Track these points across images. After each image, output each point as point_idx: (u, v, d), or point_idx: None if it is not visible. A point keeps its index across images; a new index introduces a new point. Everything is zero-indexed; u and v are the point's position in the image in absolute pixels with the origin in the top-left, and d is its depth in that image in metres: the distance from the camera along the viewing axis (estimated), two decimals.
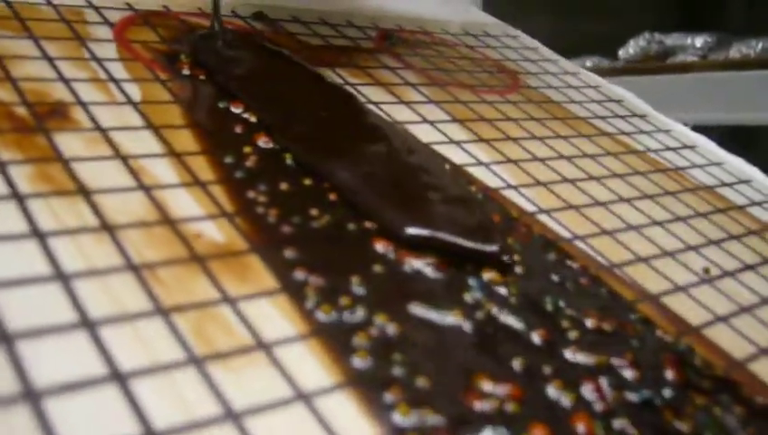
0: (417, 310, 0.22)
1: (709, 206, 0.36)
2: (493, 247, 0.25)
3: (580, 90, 0.45)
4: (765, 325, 0.28)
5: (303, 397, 0.18)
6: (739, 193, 0.38)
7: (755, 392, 0.23)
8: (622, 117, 0.43)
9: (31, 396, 0.15)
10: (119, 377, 0.17)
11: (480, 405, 0.19)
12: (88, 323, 0.18)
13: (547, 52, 0.49)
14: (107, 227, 0.21)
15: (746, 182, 0.40)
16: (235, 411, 0.17)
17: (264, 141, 0.27)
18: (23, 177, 0.22)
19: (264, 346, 0.19)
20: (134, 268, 0.20)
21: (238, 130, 0.28)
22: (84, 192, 0.22)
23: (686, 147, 0.42)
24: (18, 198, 0.21)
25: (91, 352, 0.17)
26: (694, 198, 0.36)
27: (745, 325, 0.27)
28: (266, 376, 0.18)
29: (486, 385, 0.20)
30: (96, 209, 0.22)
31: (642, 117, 0.44)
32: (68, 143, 0.24)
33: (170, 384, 0.17)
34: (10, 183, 0.21)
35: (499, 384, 0.20)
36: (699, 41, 1.44)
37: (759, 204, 0.38)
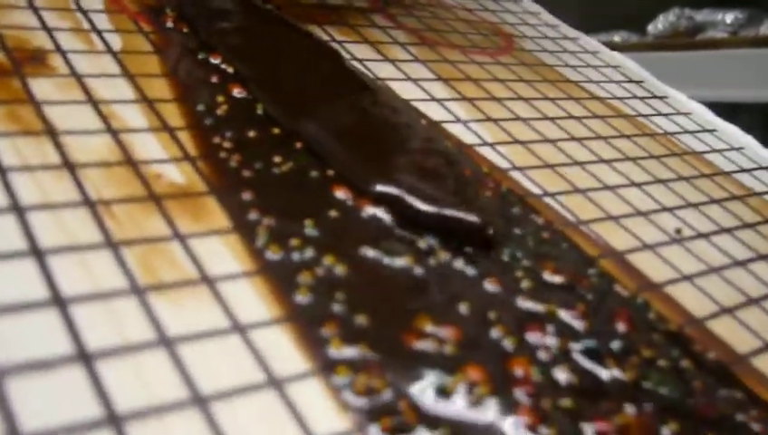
0: (368, 253, 0.22)
1: (694, 170, 0.36)
2: (472, 218, 0.24)
3: (576, 54, 0.45)
4: (732, 286, 0.28)
5: (240, 329, 0.18)
6: (729, 160, 0.38)
7: (708, 348, 0.24)
8: (617, 82, 0.43)
9: None
10: (59, 301, 0.17)
11: (418, 345, 0.19)
12: (37, 252, 0.18)
13: (549, 17, 0.49)
14: (68, 166, 0.22)
15: (738, 149, 0.40)
16: (169, 338, 0.17)
17: (238, 91, 0.28)
18: None
19: (208, 280, 0.19)
20: (90, 204, 0.21)
21: (214, 80, 0.28)
22: (51, 133, 0.23)
23: (680, 113, 0.42)
24: None
25: (35, 278, 0.18)
26: (679, 162, 0.36)
27: (711, 285, 0.27)
28: (206, 308, 0.19)
29: (428, 326, 0.20)
30: (60, 149, 0.22)
31: (639, 83, 0.44)
32: (42, 87, 0.25)
33: (109, 310, 0.18)
34: None
35: (441, 326, 0.20)
36: (730, 17, 1.41)
37: (748, 171, 0.38)
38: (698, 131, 0.40)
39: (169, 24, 0.31)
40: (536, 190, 0.29)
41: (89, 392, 0.15)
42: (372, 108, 0.29)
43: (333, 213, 0.23)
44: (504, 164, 0.30)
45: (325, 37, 0.35)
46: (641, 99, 0.42)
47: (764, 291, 0.28)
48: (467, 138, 0.31)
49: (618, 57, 0.46)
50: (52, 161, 0.22)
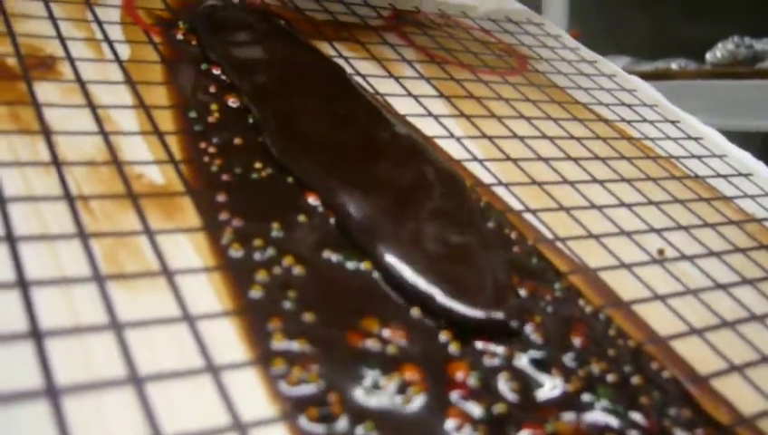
0: (330, 256, 0.23)
1: (692, 194, 0.36)
2: (498, 315, 0.23)
3: (591, 77, 0.45)
4: (707, 307, 0.28)
5: (189, 319, 0.20)
6: (733, 185, 0.38)
7: (665, 367, 0.24)
8: (629, 105, 0.43)
9: None
10: (23, 283, 0.19)
11: (360, 343, 0.20)
12: (10, 238, 0.20)
13: (569, 40, 0.50)
14: (56, 163, 0.23)
15: (746, 175, 0.40)
16: (119, 322, 0.19)
17: (232, 101, 0.29)
18: None
19: (167, 273, 0.21)
20: (69, 198, 0.22)
21: (212, 89, 0.30)
22: (46, 133, 0.25)
23: (690, 138, 0.42)
24: None
25: (4, 261, 0.19)
26: (677, 185, 0.36)
27: (684, 305, 0.28)
28: (161, 298, 0.20)
29: (374, 327, 0.21)
30: (52, 148, 0.24)
31: (652, 106, 0.44)
32: (45, 91, 0.27)
33: (67, 294, 0.19)
34: None
35: (387, 328, 0.21)
36: None
37: (751, 196, 0.38)
38: (705, 156, 0.40)
39: (179, 36, 0.33)
40: (518, 206, 0.30)
41: (34, 366, 0.17)
42: (387, 150, 0.29)
43: (302, 218, 0.24)
44: (489, 180, 0.31)
45: (332, 52, 0.36)
46: (651, 122, 0.42)
47: (742, 314, 0.28)
48: (457, 153, 0.32)
49: (634, 81, 0.46)
50: (41, 159, 0.23)
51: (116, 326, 0.19)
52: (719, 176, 0.39)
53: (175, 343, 0.19)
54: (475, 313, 0.22)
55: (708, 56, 1.48)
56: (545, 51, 0.47)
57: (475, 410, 0.20)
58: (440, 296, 0.22)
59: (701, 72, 1.46)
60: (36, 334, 0.18)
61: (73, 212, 0.22)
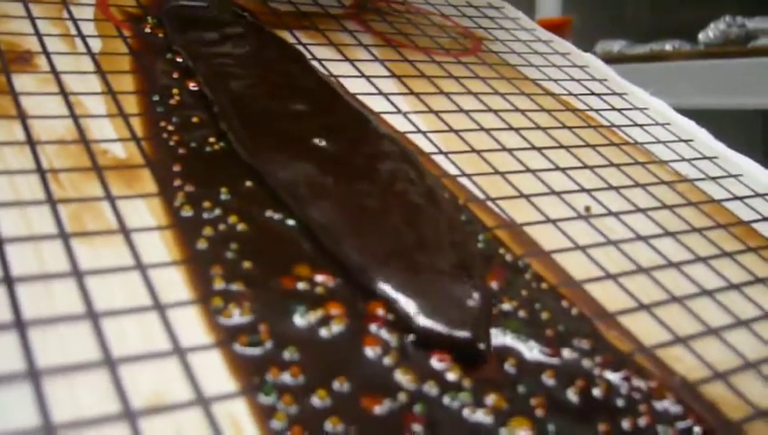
0: (273, 215, 0.26)
1: (628, 158, 0.39)
2: (464, 333, 0.23)
3: (544, 55, 0.48)
4: (625, 256, 0.31)
5: (141, 267, 0.23)
6: (670, 150, 0.41)
7: (575, 304, 0.27)
8: (578, 80, 0.46)
9: None
10: None
11: (291, 285, 0.24)
12: None
13: (527, 22, 0.52)
14: (31, 143, 0.27)
15: (686, 141, 0.43)
16: (80, 271, 0.22)
17: (192, 85, 0.32)
18: None
19: (125, 231, 0.24)
20: (41, 171, 0.26)
21: (175, 75, 0.33)
22: (22, 117, 0.28)
23: (635, 108, 0.45)
24: None
25: None
26: (615, 150, 0.39)
27: (603, 255, 0.30)
28: (118, 252, 0.23)
29: (305, 273, 0.24)
30: (27, 130, 0.27)
31: (601, 81, 0.47)
32: (23, 82, 0.30)
33: (36, 248, 0.22)
34: None
35: (317, 273, 0.24)
36: None
37: (688, 160, 0.41)
38: (648, 124, 0.43)
39: (148, 30, 0.36)
40: (454, 171, 0.33)
41: (6, 305, 0.20)
42: (359, 147, 0.32)
43: (249, 183, 0.27)
44: (430, 149, 0.34)
45: (291, 40, 0.39)
46: (598, 95, 0.45)
47: (659, 262, 0.31)
48: (402, 126, 0.35)
49: (588, 58, 0.49)
50: (17, 139, 0.27)
51: (77, 274, 0.22)
52: (659, 142, 0.42)
53: (127, 287, 0.22)
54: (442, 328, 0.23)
55: (701, 36, 1.49)
56: (501, 32, 0.50)
57: (391, 339, 0.23)
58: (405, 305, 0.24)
59: (694, 52, 1.48)
60: (8, 280, 0.21)
61: (44, 183, 0.25)
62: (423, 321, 0.23)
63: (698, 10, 1.56)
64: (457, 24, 0.49)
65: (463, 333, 0.23)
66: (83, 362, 0.19)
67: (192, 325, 0.21)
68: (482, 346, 0.23)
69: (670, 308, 0.29)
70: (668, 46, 1.52)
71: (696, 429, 0.23)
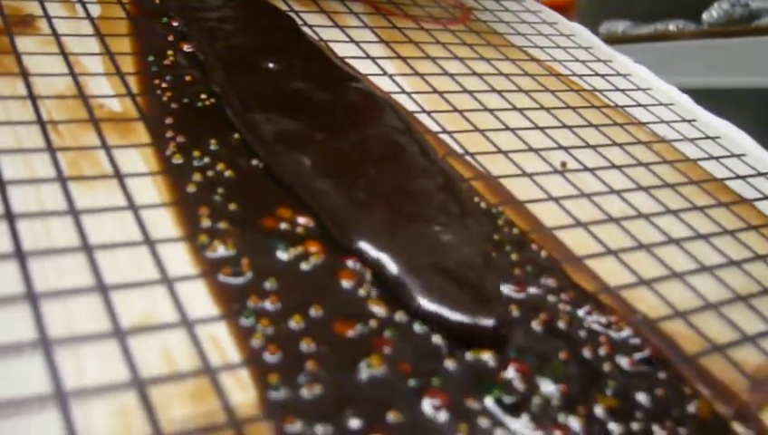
0: (259, 164, 0.28)
1: (607, 119, 0.40)
2: (488, 321, 0.23)
3: (532, 24, 0.49)
4: (597, 207, 0.32)
5: (134, 208, 0.25)
6: (650, 113, 0.42)
7: (544, 248, 0.29)
8: (563, 48, 0.47)
9: None
10: (1, 183, 0.24)
11: (273, 225, 0.25)
12: None
13: None
14: (32, 97, 0.29)
15: (666, 105, 0.44)
16: (76, 210, 0.24)
17: (186, 47, 0.34)
18: None
19: (119, 176, 0.26)
20: (41, 123, 0.27)
21: (170, 38, 0.35)
22: (24, 74, 0.30)
23: (618, 74, 0.46)
24: None
25: None
26: (595, 112, 0.40)
27: (575, 206, 0.32)
28: (112, 194, 0.25)
29: (287, 215, 0.26)
30: (29, 86, 0.29)
31: (587, 48, 0.48)
32: (25, 43, 0.32)
33: (36, 189, 0.24)
34: None
35: (298, 216, 0.26)
36: None
37: (667, 122, 0.42)
38: (629, 89, 0.44)
39: None
40: (436, 128, 0.34)
41: (8, 238, 0.22)
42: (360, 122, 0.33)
43: (236, 135, 0.29)
44: (413, 108, 0.35)
45: (284, 7, 0.41)
46: (582, 61, 0.46)
47: (629, 213, 0.33)
48: (388, 86, 0.36)
49: (574, 27, 0.51)
50: (19, 94, 0.29)
51: (73, 212, 0.24)
52: (639, 105, 0.43)
53: (121, 224, 0.24)
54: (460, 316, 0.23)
55: (705, 16, 1.50)
56: (491, 3, 0.51)
57: (366, 273, 0.24)
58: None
59: (698, 32, 1.48)
60: (10, 217, 0.23)
61: (44, 133, 0.27)
62: (428, 305, 0.23)
63: None
64: None
65: (487, 321, 0.23)
66: (78, 286, 0.21)
67: (179, 258, 0.23)
68: (504, 332, 0.23)
69: (637, 254, 0.30)
70: (672, 26, 1.53)
71: (651, 358, 0.25)
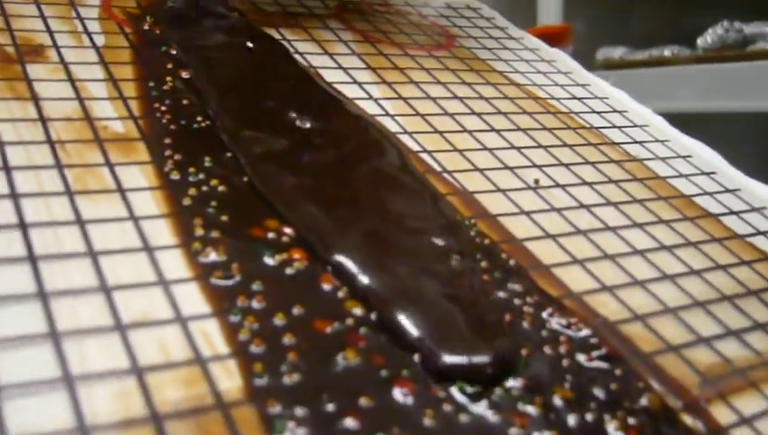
0: (250, 181, 0.30)
1: (582, 140, 0.43)
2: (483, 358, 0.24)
3: (514, 51, 0.52)
4: (566, 220, 0.35)
5: (135, 218, 0.27)
6: (624, 134, 0.45)
7: (513, 257, 0.31)
8: (544, 73, 0.50)
9: None
10: (14, 196, 0.26)
11: (261, 234, 0.28)
12: (6, 168, 0.28)
13: (502, 21, 0.57)
14: (42, 119, 0.31)
15: (641, 126, 0.46)
16: (83, 220, 0.26)
17: (184, 74, 0.37)
18: None
19: (121, 191, 0.28)
20: (50, 143, 0.30)
21: (169, 65, 0.38)
22: (35, 99, 0.32)
23: (595, 97, 0.49)
24: None
25: (3, 183, 0.27)
26: (570, 133, 0.43)
27: (545, 219, 0.34)
28: (115, 206, 0.27)
29: (274, 226, 0.28)
30: (39, 109, 0.32)
31: (566, 73, 0.51)
32: (36, 70, 0.35)
33: (46, 202, 0.27)
34: None
35: (285, 227, 0.28)
36: None
37: (640, 142, 0.45)
38: (605, 111, 0.47)
39: (146, 27, 0.41)
40: (416, 148, 0.37)
41: (21, 244, 0.24)
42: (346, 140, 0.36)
43: (229, 155, 0.32)
44: (396, 129, 0.38)
45: (276, 36, 0.44)
46: (561, 86, 0.49)
47: (597, 226, 0.35)
48: (372, 109, 0.39)
49: (555, 53, 0.53)
50: (31, 116, 0.31)
51: (80, 222, 0.26)
52: (614, 127, 0.46)
53: (122, 233, 0.26)
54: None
55: (700, 42, 1.53)
56: (475, 30, 0.54)
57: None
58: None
59: (693, 57, 1.52)
60: (23, 226, 0.25)
61: (53, 151, 0.29)
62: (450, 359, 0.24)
63: (697, 16, 1.60)
64: (434, 22, 0.53)
65: (481, 359, 0.24)
66: (83, 287, 0.23)
67: (175, 263, 0.25)
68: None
69: (602, 263, 0.33)
70: (668, 52, 1.56)
71: (607, 356, 0.27)
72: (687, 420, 0.25)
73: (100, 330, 0.22)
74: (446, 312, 0.26)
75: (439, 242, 0.29)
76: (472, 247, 0.30)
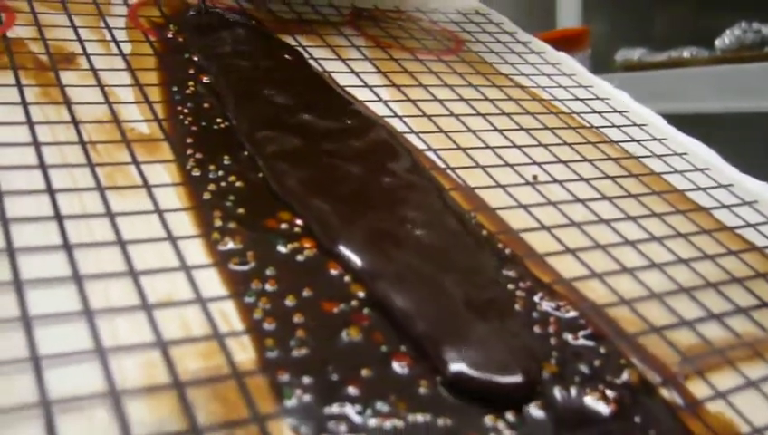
0: (265, 177, 0.33)
1: (581, 138, 0.45)
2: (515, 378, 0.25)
3: (521, 54, 0.54)
4: (561, 213, 0.37)
5: (159, 211, 0.30)
6: (623, 132, 0.47)
7: (509, 246, 0.33)
8: (548, 75, 0.52)
9: None
10: (50, 192, 0.29)
11: (274, 225, 0.30)
12: (42, 166, 0.31)
13: (510, 26, 0.59)
14: (74, 122, 0.34)
15: (640, 126, 0.49)
16: (112, 212, 0.29)
17: (205, 79, 0.40)
18: (32, 93, 0.35)
19: (147, 186, 0.31)
20: (83, 143, 0.33)
21: (191, 71, 0.40)
22: (68, 103, 0.35)
23: (597, 98, 0.51)
24: (25, 104, 0.34)
25: (40, 179, 0.30)
26: (571, 132, 0.45)
27: (542, 212, 0.37)
28: (141, 201, 0.30)
29: (287, 217, 0.31)
30: (72, 113, 0.35)
31: (570, 75, 0.53)
32: (68, 77, 0.37)
33: (79, 197, 0.29)
34: (23, 96, 0.35)
35: (296, 219, 0.31)
36: None
37: (638, 141, 0.47)
38: (606, 111, 0.49)
39: (170, 35, 0.43)
40: (422, 146, 0.39)
41: (57, 233, 0.27)
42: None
43: (246, 153, 0.34)
44: (403, 129, 0.40)
45: (292, 42, 0.46)
46: (565, 87, 0.51)
47: (591, 218, 0.37)
48: (381, 111, 0.41)
49: (562, 56, 0.55)
50: (64, 119, 0.34)
51: (110, 214, 0.29)
52: (613, 126, 0.48)
53: (148, 224, 0.29)
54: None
55: (718, 43, 1.54)
56: (484, 35, 0.56)
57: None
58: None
59: (711, 58, 1.53)
60: (59, 217, 0.28)
61: (85, 151, 0.32)
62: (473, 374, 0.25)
63: (715, 17, 1.61)
64: (444, 28, 0.56)
65: (512, 379, 0.25)
66: (114, 271, 0.26)
67: (196, 251, 0.28)
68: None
69: (594, 253, 0.35)
70: (686, 53, 1.57)
71: (593, 335, 0.29)
72: (665, 393, 0.28)
73: (129, 309, 0.25)
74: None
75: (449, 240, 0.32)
76: (467, 241, 0.33)
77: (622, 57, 1.56)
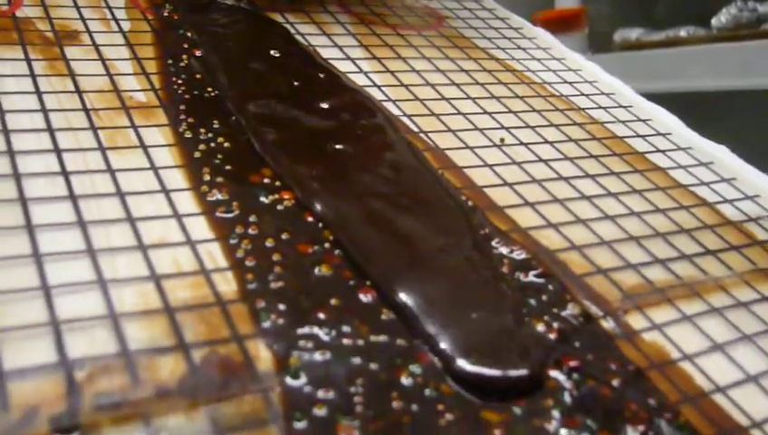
0: (251, 139, 0.37)
1: (550, 106, 0.48)
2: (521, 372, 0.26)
3: (499, 30, 0.58)
4: (524, 171, 0.40)
5: (155, 168, 0.33)
6: (591, 100, 0.50)
7: (471, 199, 0.37)
8: (524, 49, 0.55)
9: None
10: (57, 151, 0.33)
11: (258, 180, 0.34)
12: (50, 129, 0.34)
13: (490, 3, 0.62)
14: (78, 92, 0.38)
15: (607, 94, 0.52)
16: (113, 168, 0.33)
17: (198, 53, 0.43)
18: (39, 66, 0.39)
19: (144, 147, 0.35)
20: (86, 110, 0.36)
21: (185, 46, 0.44)
22: (72, 75, 0.39)
23: (569, 69, 0.54)
24: (33, 76, 0.38)
25: (47, 141, 0.33)
26: (540, 100, 0.48)
27: (505, 170, 0.40)
28: (138, 158, 0.34)
29: (269, 174, 0.35)
30: (75, 83, 0.38)
31: (545, 49, 0.56)
32: (72, 52, 0.41)
33: (83, 156, 0.33)
34: (31, 69, 0.39)
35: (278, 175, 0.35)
36: None
37: (605, 108, 0.50)
38: (577, 82, 0.52)
39: (166, 14, 0.47)
40: (398, 113, 0.43)
41: (63, 188, 0.31)
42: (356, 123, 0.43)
43: (233, 118, 0.38)
44: (381, 97, 0.44)
45: (279, 19, 0.50)
46: (539, 60, 0.54)
47: (550, 175, 0.41)
48: (362, 81, 0.45)
49: (537, 31, 0.59)
50: (69, 89, 0.38)
51: (111, 171, 0.33)
52: (582, 95, 0.51)
53: (145, 179, 0.33)
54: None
55: (714, 21, 1.56)
56: (464, 12, 0.59)
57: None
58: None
59: (707, 37, 1.55)
60: (65, 173, 0.32)
61: (88, 117, 0.36)
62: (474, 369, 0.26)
63: None
64: (426, 5, 0.59)
65: (520, 372, 0.26)
66: (114, 218, 0.30)
67: (187, 202, 0.32)
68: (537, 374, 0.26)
69: (551, 206, 0.38)
70: (683, 32, 1.59)
71: (542, 274, 0.33)
72: (605, 324, 0.31)
73: (127, 249, 0.29)
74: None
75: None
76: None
77: (620, 37, 1.58)
